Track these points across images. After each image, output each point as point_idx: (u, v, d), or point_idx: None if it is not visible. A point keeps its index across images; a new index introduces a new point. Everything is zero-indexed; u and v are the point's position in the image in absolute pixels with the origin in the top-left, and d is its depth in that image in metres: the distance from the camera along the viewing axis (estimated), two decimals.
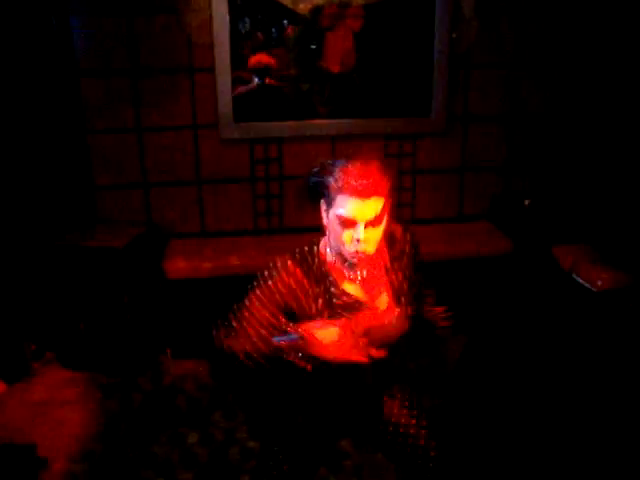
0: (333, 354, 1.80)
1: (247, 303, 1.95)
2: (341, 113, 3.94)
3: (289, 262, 1.93)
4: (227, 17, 3.64)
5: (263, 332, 1.87)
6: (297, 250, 1.95)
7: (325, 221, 1.86)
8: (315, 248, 1.94)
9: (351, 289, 1.92)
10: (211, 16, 3.64)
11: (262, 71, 3.79)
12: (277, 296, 1.91)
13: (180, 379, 3.55)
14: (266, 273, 1.95)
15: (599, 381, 3.03)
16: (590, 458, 2.67)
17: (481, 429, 2.82)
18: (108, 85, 3.71)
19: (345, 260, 1.86)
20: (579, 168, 4.06)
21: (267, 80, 3.81)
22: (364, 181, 1.70)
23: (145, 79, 3.73)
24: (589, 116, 4.00)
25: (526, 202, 4.05)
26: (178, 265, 3.66)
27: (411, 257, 2.01)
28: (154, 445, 3.00)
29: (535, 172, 4.23)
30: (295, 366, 1.86)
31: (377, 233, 1.78)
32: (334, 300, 1.90)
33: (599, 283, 3.40)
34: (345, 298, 1.91)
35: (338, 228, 1.77)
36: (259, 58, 3.77)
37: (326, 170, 1.80)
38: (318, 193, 1.84)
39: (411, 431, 1.94)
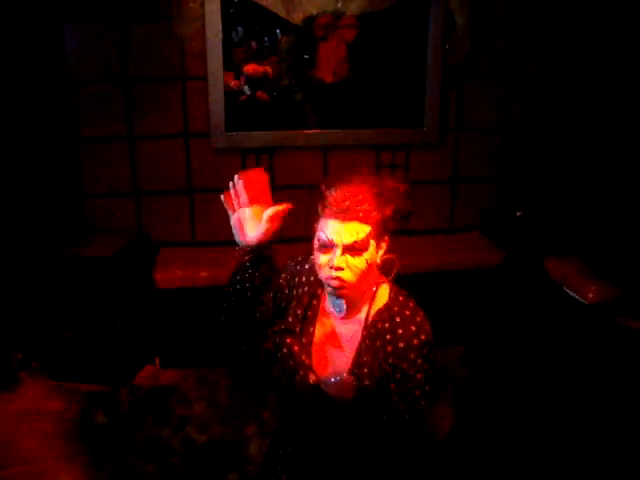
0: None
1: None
2: (333, 123, 3.94)
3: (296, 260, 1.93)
4: (220, 26, 3.63)
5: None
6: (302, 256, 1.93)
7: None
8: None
9: (323, 326, 1.81)
10: (204, 25, 3.63)
11: (259, 80, 3.78)
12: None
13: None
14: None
15: (591, 393, 3.02)
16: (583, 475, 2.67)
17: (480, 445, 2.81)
18: (100, 93, 3.69)
19: (327, 288, 1.73)
20: (571, 180, 4.07)
21: (258, 93, 3.80)
22: (347, 203, 1.61)
23: (137, 87, 3.71)
24: (582, 129, 4.01)
25: (518, 214, 4.06)
26: (168, 274, 3.63)
27: (390, 342, 1.70)
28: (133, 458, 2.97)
29: (527, 184, 4.23)
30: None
31: (357, 263, 1.64)
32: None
33: (589, 296, 3.40)
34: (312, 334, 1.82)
35: (317, 252, 1.68)
36: (253, 67, 3.76)
37: (325, 186, 1.72)
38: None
39: None
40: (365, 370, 1.70)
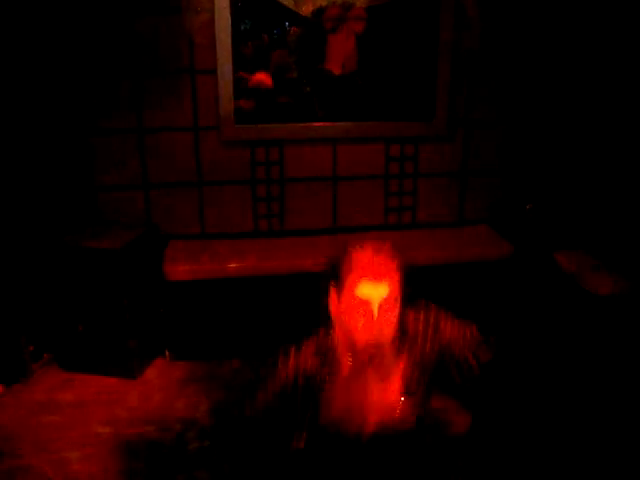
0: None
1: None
2: (343, 116, 3.93)
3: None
4: (229, 18, 3.62)
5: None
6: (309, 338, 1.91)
7: (335, 310, 1.79)
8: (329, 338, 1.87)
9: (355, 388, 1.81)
10: (213, 17, 3.63)
11: (262, 94, 3.79)
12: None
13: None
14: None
15: (602, 386, 3.01)
16: (591, 467, 2.66)
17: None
18: (110, 86, 3.69)
19: (355, 355, 1.75)
20: (581, 173, 4.05)
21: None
22: (377, 261, 1.68)
23: (146, 80, 3.72)
24: (593, 122, 3.99)
25: (527, 207, 4.04)
26: (177, 267, 3.64)
27: (428, 339, 1.87)
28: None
29: (537, 177, 4.21)
30: None
31: (392, 318, 1.70)
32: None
33: (600, 289, 3.39)
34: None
35: (350, 314, 1.70)
36: (260, 78, 3.77)
37: (339, 255, 1.76)
38: (332, 279, 1.78)
39: None
40: (415, 385, 1.81)
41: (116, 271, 3.46)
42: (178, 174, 3.91)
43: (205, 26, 3.65)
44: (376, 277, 1.66)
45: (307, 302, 3.92)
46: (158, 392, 3.48)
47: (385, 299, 1.66)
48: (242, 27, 3.70)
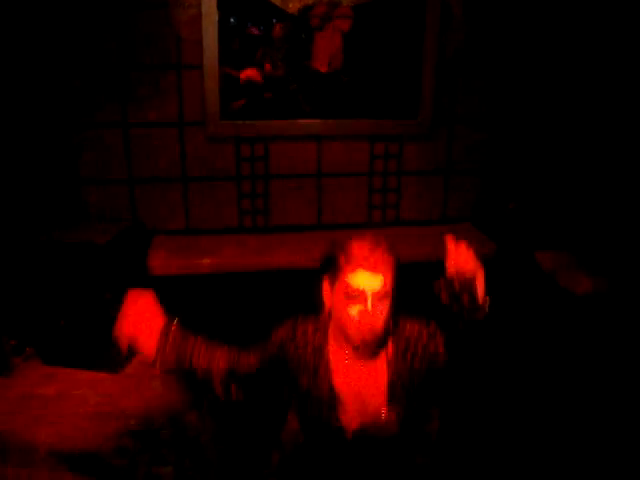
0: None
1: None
2: (328, 113, 3.95)
3: (294, 321, 1.92)
4: (216, 14, 3.63)
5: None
6: (301, 316, 1.93)
7: (328, 301, 1.81)
8: (319, 323, 1.89)
9: (341, 381, 1.84)
10: (200, 12, 3.63)
11: (248, 90, 3.79)
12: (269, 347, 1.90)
13: None
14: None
15: (581, 383, 3.06)
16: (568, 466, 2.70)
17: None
18: (95, 80, 3.68)
19: (348, 344, 1.78)
20: (564, 173, 4.10)
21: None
22: (372, 253, 1.70)
23: (132, 74, 3.71)
24: (576, 122, 4.04)
25: (510, 205, 4.08)
26: (162, 262, 3.65)
27: (426, 349, 1.87)
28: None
29: (520, 176, 4.26)
30: None
31: (384, 310, 1.73)
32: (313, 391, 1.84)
33: (579, 288, 3.43)
34: (325, 392, 1.84)
35: (344, 303, 1.72)
36: (250, 74, 3.77)
37: (336, 246, 1.78)
38: (326, 269, 1.80)
39: None
40: (401, 393, 1.80)
41: (99, 266, 3.45)
42: (163, 169, 3.91)
43: (192, 21, 3.65)
44: (372, 268, 1.69)
45: (292, 298, 3.96)
46: (141, 386, 3.48)
47: (379, 290, 1.69)
48: (229, 23, 3.70)
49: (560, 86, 4.07)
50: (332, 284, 1.77)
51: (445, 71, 3.99)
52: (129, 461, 2.88)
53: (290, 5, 3.71)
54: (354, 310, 1.70)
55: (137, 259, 3.67)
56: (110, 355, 3.58)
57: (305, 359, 1.86)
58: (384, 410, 1.80)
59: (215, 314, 3.77)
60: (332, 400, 1.83)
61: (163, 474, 2.86)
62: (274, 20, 3.74)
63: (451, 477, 2.08)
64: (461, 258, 1.70)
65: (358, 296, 1.69)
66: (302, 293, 3.76)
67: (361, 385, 1.83)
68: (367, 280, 1.69)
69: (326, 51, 3.80)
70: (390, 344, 1.84)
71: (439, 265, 4.02)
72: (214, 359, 1.87)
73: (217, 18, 3.63)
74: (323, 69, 3.84)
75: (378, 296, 1.70)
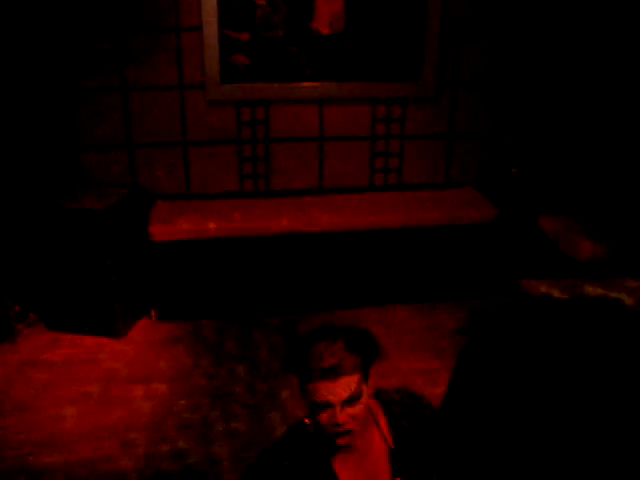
0: None
1: None
2: (329, 76, 3.89)
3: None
4: None
5: None
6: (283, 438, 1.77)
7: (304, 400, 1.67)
8: (304, 426, 1.71)
9: (346, 469, 1.71)
10: None
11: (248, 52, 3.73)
12: None
13: None
14: None
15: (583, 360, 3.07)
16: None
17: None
18: (92, 43, 3.61)
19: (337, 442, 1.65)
20: (567, 138, 4.06)
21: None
22: (329, 361, 1.56)
23: (130, 37, 3.64)
24: (579, 85, 3.98)
25: (513, 170, 4.06)
26: (163, 227, 3.64)
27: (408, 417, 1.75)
28: None
29: (523, 141, 4.22)
30: None
31: (358, 411, 1.59)
32: None
33: (583, 253, 3.44)
34: None
35: (315, 415, 1.61)
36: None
37: (295, 348, 1.64)
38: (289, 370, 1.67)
39: None
40: (404, 461, 1.71)
41: (100, 232, 3.45)
42: (163, 133, 3.87)
43: None
44: (334, 377, 1.56)
45: (292, 262, 3.97)
46: (143, 351, 3.52)
47: (347, 396, 1.57)
48: None
49: (564, 50, 4.00)
50: (300, 388, 1.64)
51: (449, 33, 3.91)
52: None
53: None
54: (324, 418, 1.59)
55: (138, 225, 3.66)
56: (113, 320, 3.61)
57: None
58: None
59: (217, 278, 3.78)
60: None
61: None
62: None
63: None
64: None
65: (325, 406, 1.58)
66: (302, 257, 3.79)
67: (363, 470, 1.73)
68: (331, 390, 1.56)
69: (327, 12, 3.73)
70: (380, 418, 1.74)
71: (437, 230, 4.02)
72: None
73: None
74: (325, 31, 3.77)
75: (347, 402, 1.57)
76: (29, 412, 2.99)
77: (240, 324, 3.74)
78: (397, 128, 4.11)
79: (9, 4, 3.34)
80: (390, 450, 1.72)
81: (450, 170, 4.26)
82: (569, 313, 0.65)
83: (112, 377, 3.28)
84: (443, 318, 3.80)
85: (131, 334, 3.67)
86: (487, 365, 0.62)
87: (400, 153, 4.17)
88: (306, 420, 1.68)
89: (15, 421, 2.93)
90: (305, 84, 3.88)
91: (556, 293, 2.99)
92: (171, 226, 3.65)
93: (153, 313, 3.78)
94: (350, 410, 1.58)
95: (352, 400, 1.57)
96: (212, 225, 3.68)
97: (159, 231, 3.62)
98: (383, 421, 1.73)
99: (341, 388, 1.57)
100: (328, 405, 1.57)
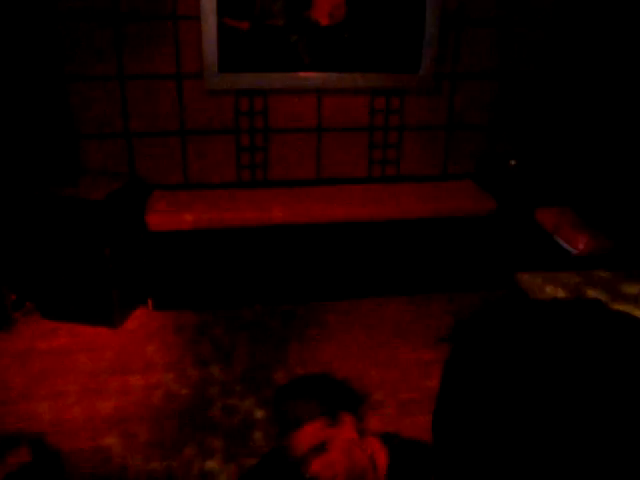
0: None
1: None
2: (328, 66, 3.87)
3: None
4: None
5: None
6: None
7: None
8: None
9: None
10: None
11: (246, 40, 3.69)
12: None
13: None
14: None
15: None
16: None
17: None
18: (89, 30, 3.59)
19: None
20: (566, 130, 4.06)
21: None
22: (324, 437, 1.49)
23: (128, 25, 3.61)
24: (579, 77, 3.97)
25: (511, 162, 4.05)
26: (160, 217, 3.63)
27: None
28: None
29: (522, 133, 4.21)
30: None
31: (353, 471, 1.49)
32: None
33: (580, 247, 3.44)
34: None
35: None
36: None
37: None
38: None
39: None
40: None
41: (98, 221, 3.44)
42: (161, 123, 3.85)
43: None
44: (324, 456, 1.48)
45: (288, 253, 3.97)
46: (139, 340, 3.52)
47: (340, 473, 1.47)
48: None
49: (563, 42, 3.99)
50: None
51: (448, 25, 3.89)
52: None
53: None
54: None
55: (136, 214, 3.66)
56: (110, 309, 3.61)
57: None
58: None
59: (214, 268, 3.78)
60: None
61: None
62: None
63: None
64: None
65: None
66: (298, 248, 3.79)
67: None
68: (323, 467, 1.47)
69: (327, 2, 3.70)
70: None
71: (435, 222, 4.04)
72: None
73: None
74: (324, 21, 3.75)
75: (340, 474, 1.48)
76: (26, 401, 2.99)
77: (236, 313, 3.75)
78: (396, 119, 4.10)
79: None
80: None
81: (448, 162, 4.26)
82: (548, 318, 0.65)
83: (109, 366, 3.28)
84: (438, 310, 3.81)
85: (128, 323, 3.67)
86: (473, 374, 0.62)
87: (398, 144, 4.16)
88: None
89: (12, 410, 2.93)
90: (304, 74, 3.86)
91: (550, 287, 2.99)
92: (168, 216, 3.64)
93: (150, 302, 3.78)
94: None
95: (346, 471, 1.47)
96: (209, 215, 3.67)
97: (156, 221, 3.61)
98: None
99: (333, 464, 1.47)
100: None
